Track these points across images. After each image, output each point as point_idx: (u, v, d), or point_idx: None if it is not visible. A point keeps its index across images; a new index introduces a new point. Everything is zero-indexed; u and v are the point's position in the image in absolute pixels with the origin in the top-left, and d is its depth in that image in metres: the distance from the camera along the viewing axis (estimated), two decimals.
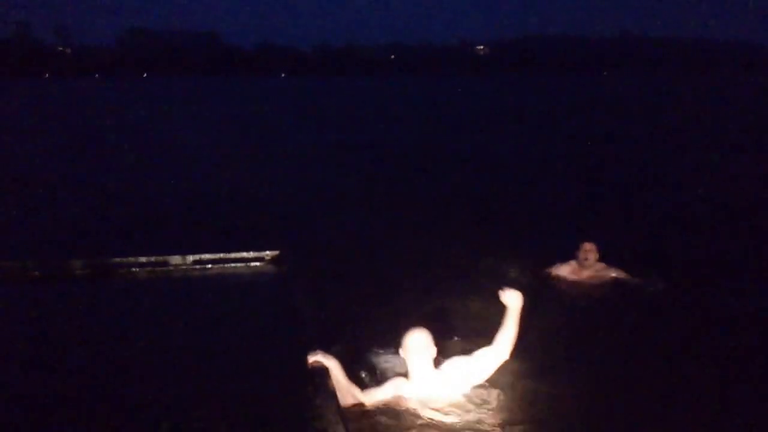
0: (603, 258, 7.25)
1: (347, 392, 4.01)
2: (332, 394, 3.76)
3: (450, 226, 10.34)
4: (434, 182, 14.77)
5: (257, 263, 6.38)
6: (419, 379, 4.30)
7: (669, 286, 7.13)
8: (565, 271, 7.26)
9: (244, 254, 6.45)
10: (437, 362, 4.50)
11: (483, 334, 5.20)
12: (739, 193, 13.16)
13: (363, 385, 4.34)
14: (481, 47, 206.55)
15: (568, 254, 7.35)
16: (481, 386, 4.63)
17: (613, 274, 7.19)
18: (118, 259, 6.19)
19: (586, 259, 7.14)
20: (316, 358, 4.00)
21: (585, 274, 7.15)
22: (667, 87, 77.34)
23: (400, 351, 4.41)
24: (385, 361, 5.08)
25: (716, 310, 6.55)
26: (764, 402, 4.69)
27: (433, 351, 4.40)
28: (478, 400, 4.46)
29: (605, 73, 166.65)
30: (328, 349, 4.26)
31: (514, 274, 7.38)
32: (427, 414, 4.23)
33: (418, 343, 4.34)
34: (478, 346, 4.68)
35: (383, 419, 4.13)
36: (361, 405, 4.09)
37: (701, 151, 19.89)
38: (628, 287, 7.06)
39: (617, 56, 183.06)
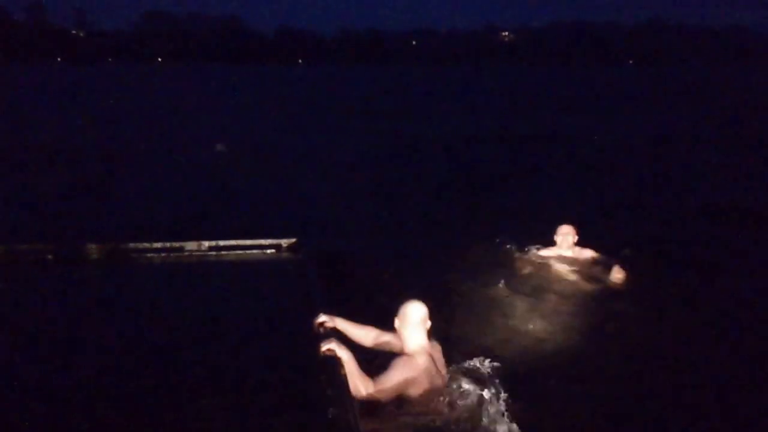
0: (581, 241, 7.25)
1: (360, 382, 3.97)
2: (344, 384, 3.71)
3: (463, 213, 10.28)
4: (449, 171, 14.68)
5: (273, 251, 6.35)
6: (414, 350, 4.29)
7: (647, 267, 7.20)
8: (544, 255, 7.24)
9: (261, 241, 6.41)
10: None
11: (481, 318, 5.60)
12: (735, 185, 13.02)
13: (374, 374, 4.29)
14: (506, 34, 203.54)
15: (547, 239, 7.38)
16: (480, 370, 4.68)
17: (591, 256, 7.17)
18: (133, 244, 6.17)
19: (564, 241, 7.14)
20: (330, 346, 3.95)
21: (564, 257, 7.13)
22: (696, 77, 76.26)
23: (396, 321, 4.41)
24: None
25: (694, 292, 6.68)
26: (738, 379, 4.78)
27: (427, 324, 4.40)
28: (479, 384, 4.47)
29: (630, 62, 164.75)
30: (342, 339, 4.23)
31: (495, 261, 7.38)
32: (437, 398, 4.23)
33: (415, 314, 4.34)
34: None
35: (395, 408, 4.12)
36: (372, 395, 4.05)
37: (721, 143, 19.59)
38: (606, 269, 7.01)
39: (646, 45, 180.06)
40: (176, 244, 6.20)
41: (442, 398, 4.27)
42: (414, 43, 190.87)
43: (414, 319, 4.34)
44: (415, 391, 4.21)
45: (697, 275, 7.20)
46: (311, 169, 14.81)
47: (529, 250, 7.39)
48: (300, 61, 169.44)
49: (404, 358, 4.27)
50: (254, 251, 6.32)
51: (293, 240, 6.39)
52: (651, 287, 6.72)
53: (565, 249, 7.14)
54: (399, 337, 4.43)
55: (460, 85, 60.46)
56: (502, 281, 6.70)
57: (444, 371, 4.45)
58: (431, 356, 4.36)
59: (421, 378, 4.22)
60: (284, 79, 76.11)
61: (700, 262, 7.66)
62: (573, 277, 6.91)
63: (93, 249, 6.06)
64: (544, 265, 7.14)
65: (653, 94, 47.31)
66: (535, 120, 27.33)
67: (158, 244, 6.17)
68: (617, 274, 6.75)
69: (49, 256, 5.94)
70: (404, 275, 6.98)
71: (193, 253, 6.19)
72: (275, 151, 17.93)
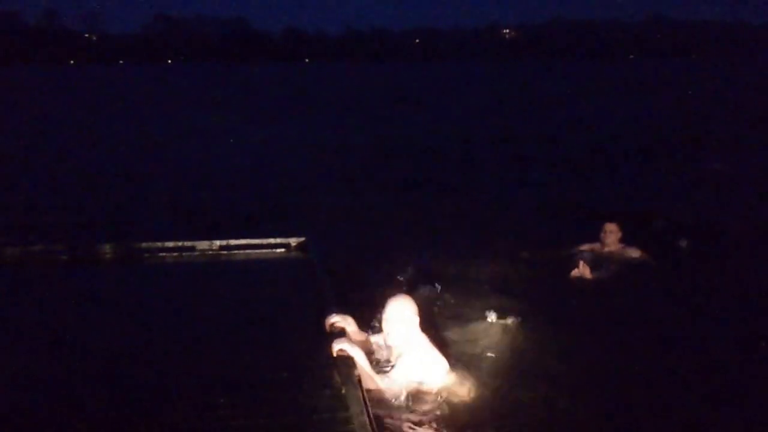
0: (625, 239, 7.36)
1: (371, 380, 4.00)
2: (358, 383, 3.74)
3: (474, 213, 10.28)
4: (458, 169, 14.68)
5: (283, 250, 6.40)
6: (401, 348, 4.28)
7: (692, 268, 7.23)
8: (589, 251, 7.32)
9: (270, 240, 6.46)
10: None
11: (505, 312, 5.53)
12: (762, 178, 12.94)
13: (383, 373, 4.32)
14: (507, 31, 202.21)
15: (592, 236, 7.46)
16: (496, 365, 4.71)
17: (635, 254, 7.27)
18: (145, 244, 6.25)
19: (609, 239, 7.28)
20: (342, 346, 3.97)
21: (608, 255, 7.23)
22: (697, 72, 75.73)
23: (382, 321, 4.33)
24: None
25: (730, 294, 6.57)
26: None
27: (416, 319, 4.31)
28: (495, 379, 4.52)
29: (631, 56, 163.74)
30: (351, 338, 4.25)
31: (537, 256, 7.44)
32: (448, 398, 4.25)
33: (398, 311, 4.28)
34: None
35: (407, 406, 4.14)
36: (383, 392, 4.08)
37: (730, 139, 19.48)
38: (650, 268, 7.09)
39: (647, 41, 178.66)
40: (188, 244, 6.27)
41: (445, 398, 4.28)
42: (417, 41, 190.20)
43: (395, 315, 4.26)
44: (423, 390, 4.25)
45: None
46: (320, 167, 14.84)
47: (574, 246, 7.47)
48: (306, 60, 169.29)
49: (416, 358, 4.27)
50: (264, 250, 6.38)
51: (302, 239, 6.44)
52: (698, 286, 6.72)
53: (609, 246, 7.28)
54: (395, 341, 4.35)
55: (464, 82, 60.25)
56: (547, 278, 6.76)
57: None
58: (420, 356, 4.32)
59: (428, 376, 4.25)
60: (291, 77, 76.03)
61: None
62: (614, 275, 6.94)
63: (106, 249, 6.14)
64: (588, 261, 7.16)
65: (654, 88, 46.98)
66: (538, 117, 27.23)
67: (170, 244, 6.25)
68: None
69: (64, 257, 6.02)
70: (420, 272, 6.99)
71: (205, 253, 6.25)
72: (283, 149, 17.99)
